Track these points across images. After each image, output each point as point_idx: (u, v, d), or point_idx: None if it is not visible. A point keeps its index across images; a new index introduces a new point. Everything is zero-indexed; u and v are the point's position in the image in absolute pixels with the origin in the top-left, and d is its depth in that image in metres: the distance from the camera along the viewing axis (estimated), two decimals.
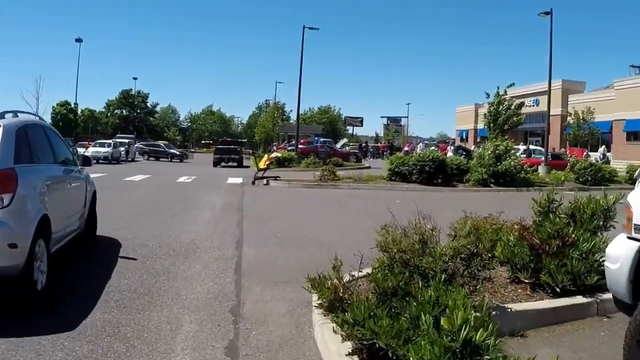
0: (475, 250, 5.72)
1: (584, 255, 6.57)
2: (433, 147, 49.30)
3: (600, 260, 6.81)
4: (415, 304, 4.54)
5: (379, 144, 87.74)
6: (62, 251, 8.45)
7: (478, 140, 67.90)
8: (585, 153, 41.66)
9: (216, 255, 9.81)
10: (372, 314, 4.66)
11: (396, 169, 26.40)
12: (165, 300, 6.98)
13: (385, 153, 68.64)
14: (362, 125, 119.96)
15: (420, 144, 64.73)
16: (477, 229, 6.96)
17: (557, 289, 6.49)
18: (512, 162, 25.97)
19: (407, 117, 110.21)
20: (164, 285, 7.65)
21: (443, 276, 5.08)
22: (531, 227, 6.94)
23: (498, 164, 25.76)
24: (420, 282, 5.11)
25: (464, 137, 79.18)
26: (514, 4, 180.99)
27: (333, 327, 4.96)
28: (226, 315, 6.49)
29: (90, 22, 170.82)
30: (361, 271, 6.57)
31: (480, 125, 69.43)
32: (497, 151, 26.13)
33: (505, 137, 32.51)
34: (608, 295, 6.55)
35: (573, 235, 6.68)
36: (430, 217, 6.67)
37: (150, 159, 58.66)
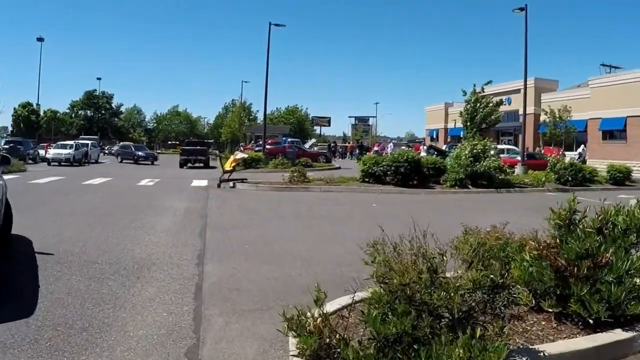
0: (501, 282, 4.45)
1: (619, 279, 5.37)
2: (403, 147, 48.26)
3: None
4: None
5: (346, 144, 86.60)
6: None
7: (449, 140, 67.13)
8: (561, 152, 40.96)
9: (174, 274, 8.42)
10: None
11: (369, 170, 25.19)
12: (107, 338, 5.63)
13: (354, 153, 67.50)
14: (329, 125, 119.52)
15: (390, 144, 63.62)
16: (481, 245, 5.81)
17: (590, 320, 5.29)
18: (491, 163, 24.89)
19: (376, 116, 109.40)
20: (108, 317, 6.29)
21: (478, 331, 3.79)
22: (556, 245, 5.71)
23: (476, 164, 24.72)
24: (444, 335, 3.83)
25: (434, 136, 78.32)
26: (482, 5, 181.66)
27: None
28: None
29: (52, 21, 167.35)
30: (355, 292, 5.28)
31: (451, 125, 68.91)
32: (474, 150, 25.06)
33: (483, 137, 31.52)
34: None
35: (608, 255, 5.46)
36: (430, 232, 5.44)
37: (125, 161, 53.70)
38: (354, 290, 4.95)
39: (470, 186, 24.70)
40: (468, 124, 38.69)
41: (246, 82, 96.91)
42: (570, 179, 27.79)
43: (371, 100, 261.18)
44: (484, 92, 39.13)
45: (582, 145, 42.89)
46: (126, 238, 11.35)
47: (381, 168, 24.82)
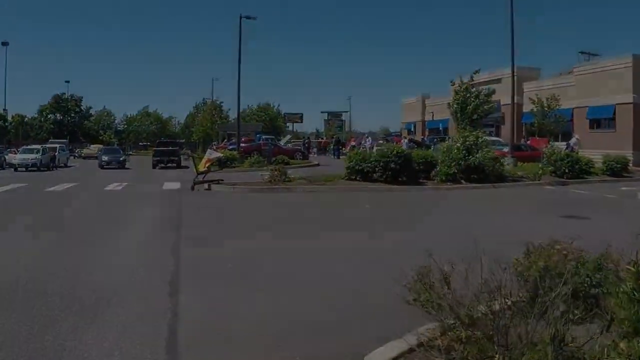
0: None
1: None
2: (380, 141, 46.79)
3: None
4: None
5: (320, 140, 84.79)
6: None
7: (427, 133, 65.72)
8: (549, 143, 39.49)
9: (139, 310, 6.55)
10: None
11: (356, 167, 23.57)
12: None
13: (328, 149, 65.81)
14: (302, 122, 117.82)
15: (369, 138, 61.71)
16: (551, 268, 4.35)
17: None
18: (486, 154, 23.41)
19: (349, 111, 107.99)
20: None
21: None
22: None
23: (469, 157, 23.23)
24: None
25: (412, 130, 76.63)
26: None
27: None
28: None
29: (16, 25, 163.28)
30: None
31: (428, 117, 67.42)
32: (467, 143, 23.54)
33: (475, 128, 30.14)
34: None
35: None
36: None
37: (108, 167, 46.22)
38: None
39: (463, 181, 23.31)
40: (459, 115, 37.16)
41: (216, 79, 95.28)
42: (567, 170, 26.42)
43: (343, 95, 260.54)
44: (473, 81, 37.69)
45: (576, 135, 41.29)
46: (84, 258, 9.58)
47: (369, 164, 23.31)
